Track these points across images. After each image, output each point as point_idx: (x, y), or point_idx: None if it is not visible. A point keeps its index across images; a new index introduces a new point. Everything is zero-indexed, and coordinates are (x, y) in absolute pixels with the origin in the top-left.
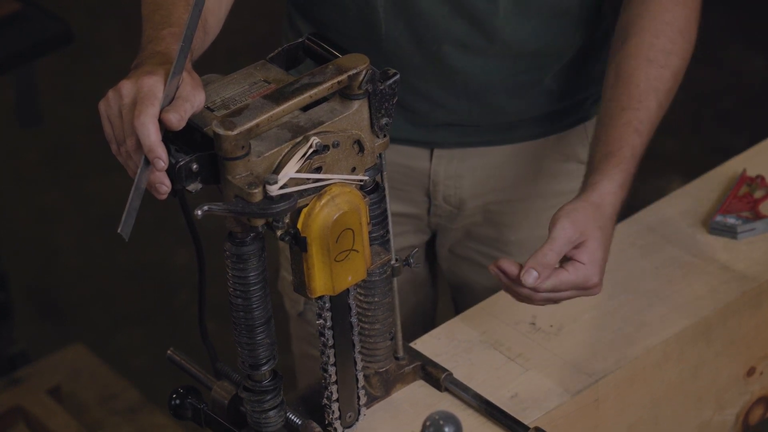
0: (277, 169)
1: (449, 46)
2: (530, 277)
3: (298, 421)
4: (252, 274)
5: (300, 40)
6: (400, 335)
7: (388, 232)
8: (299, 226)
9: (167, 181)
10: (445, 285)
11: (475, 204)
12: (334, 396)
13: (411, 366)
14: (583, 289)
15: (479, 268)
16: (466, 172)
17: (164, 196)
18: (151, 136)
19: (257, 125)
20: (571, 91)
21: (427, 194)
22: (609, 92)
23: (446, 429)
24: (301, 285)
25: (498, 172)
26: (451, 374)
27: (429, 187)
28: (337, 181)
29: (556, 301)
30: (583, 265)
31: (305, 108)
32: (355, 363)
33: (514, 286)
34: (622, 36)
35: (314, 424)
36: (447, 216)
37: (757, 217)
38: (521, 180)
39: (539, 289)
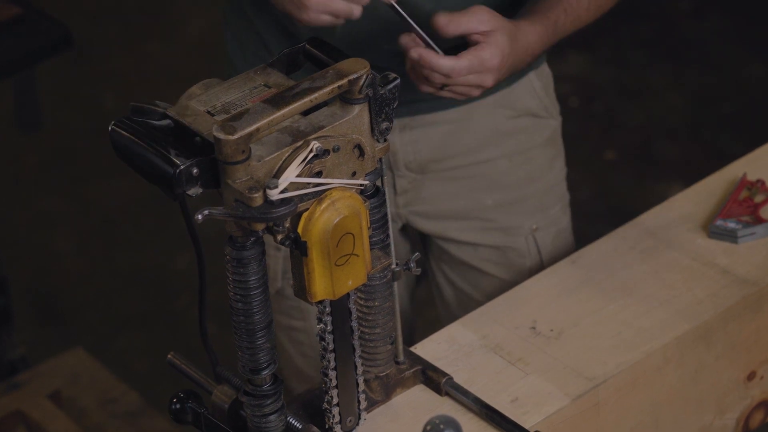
0: (278, 174)
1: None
2: (442, 18)
3: (298, 425)
4: (252, 279)
5: (300, 44)
6: (400, 339)
7: (388, 236)
8: (299, 230)
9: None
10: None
11: (437, 168)
12: (335, 400)
13: (411, 370)
14: (478, 73)
15: (471, 248)
16: (420, 136)
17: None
18: None
19: (257, 129)
20: None
21: (389, 167)
22: None
23: None
24: (302, 289)
25: (453, 135)
26: (451, 378)
27: (389, 158)
28: (337, 185)
29: (451, 86)
30: (483, 47)
31: (306, 112)
32: (356, 367)
33: (419, 60)
34: None
35: (315, 429)
36: (414, 187)
37: (758, 221)
38: (480, 141)
39: (437, 67)
